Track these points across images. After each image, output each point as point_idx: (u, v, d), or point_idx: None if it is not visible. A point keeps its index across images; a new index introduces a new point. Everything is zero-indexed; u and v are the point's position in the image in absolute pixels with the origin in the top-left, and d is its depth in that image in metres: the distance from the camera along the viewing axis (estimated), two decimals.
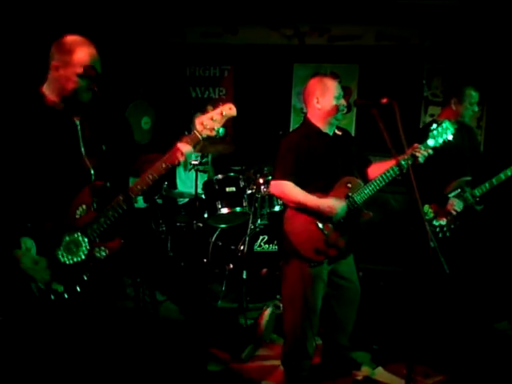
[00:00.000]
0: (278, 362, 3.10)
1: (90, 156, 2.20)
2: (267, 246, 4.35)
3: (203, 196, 4.52)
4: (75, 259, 2.09)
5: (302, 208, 2.77)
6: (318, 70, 5.35)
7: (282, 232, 2.86)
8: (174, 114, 5.94)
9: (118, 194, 2.13)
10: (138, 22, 5.39)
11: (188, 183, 5.10)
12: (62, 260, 2.07)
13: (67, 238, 2.09)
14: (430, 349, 3.29)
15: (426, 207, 3.35)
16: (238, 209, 4.34)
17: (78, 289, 2.08)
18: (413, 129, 5.18)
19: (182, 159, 2.16)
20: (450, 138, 2.78)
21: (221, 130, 2.18)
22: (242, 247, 4.22)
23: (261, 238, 4.32)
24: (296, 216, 2.81)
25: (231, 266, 4.35)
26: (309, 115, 2.93)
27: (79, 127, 2.19)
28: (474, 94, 3.39)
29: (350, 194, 2.80)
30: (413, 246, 3.23)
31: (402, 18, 5.11)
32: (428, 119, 5.34)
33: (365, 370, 3.12)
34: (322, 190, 2.80)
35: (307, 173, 2.79)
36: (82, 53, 2.07)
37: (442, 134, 2.77)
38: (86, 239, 2.11)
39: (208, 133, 2.17)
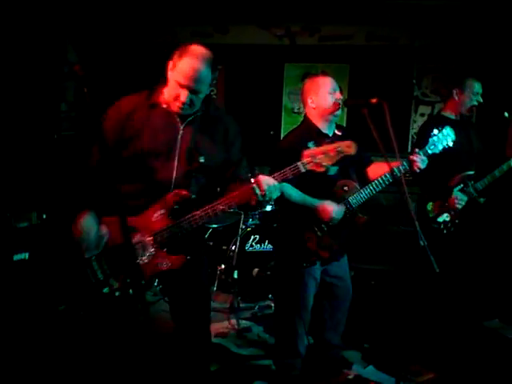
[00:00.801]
0: (270, 362, 3.10)
1: (185, 164, 2.12)
2: (258, 245, 4.34)
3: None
4: (137, 261, 2.00)
5: (296, 209, 2.76)
6: (309, 70, 5.36)
7: (276, 232, 2.86)
8: None
9: (199, 208, 2.05)
10: (127, 22, 5.35)
11: None
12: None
13: (138, 238, 2.03)
14: (420, 347, 3.31)
15: (430, 205, 3.32)
16: None
17: (131, 291, 2.01)
18: (403, 128, 5.26)
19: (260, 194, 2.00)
20: (451, 144, 2.76)
21: (332, 169, 1.96)
22: (233, 247, 4.22)
23: (252, 237, 4.32)
24: (290, 217, 2.81)
25: (222, 266, 4.34)
26: (308, 115, 2.92)
27: (181, 133, 2.12)
28: (475, 84, 3.37)
29: (345, 197, 2.79)
30: (403, 245, 3.24)
31: (392, 19, 5.14)
32: (418, 118, 5.38)
33: (356, 369, 3.13)
34: (319, 192, 2.78)
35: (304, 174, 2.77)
36: (187, 63, 2.02)
37: (443, 140, 2.74)
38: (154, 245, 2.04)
39: (315, 168, 1.99)
